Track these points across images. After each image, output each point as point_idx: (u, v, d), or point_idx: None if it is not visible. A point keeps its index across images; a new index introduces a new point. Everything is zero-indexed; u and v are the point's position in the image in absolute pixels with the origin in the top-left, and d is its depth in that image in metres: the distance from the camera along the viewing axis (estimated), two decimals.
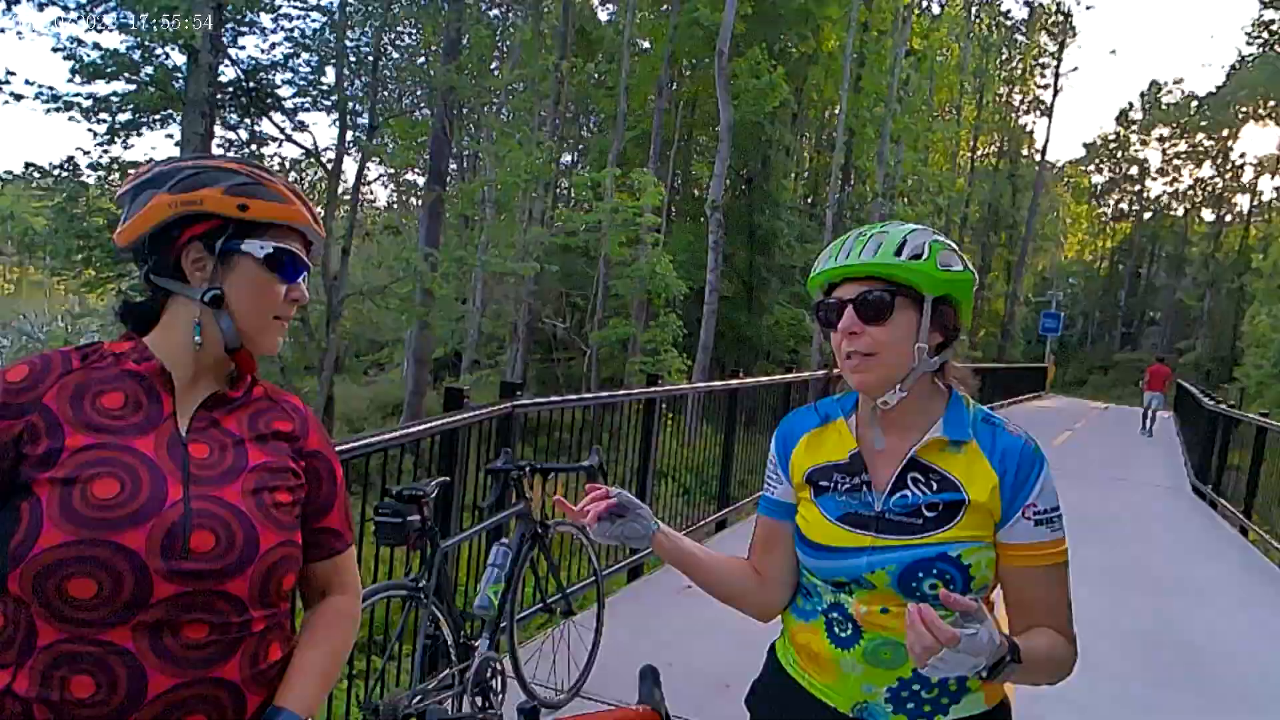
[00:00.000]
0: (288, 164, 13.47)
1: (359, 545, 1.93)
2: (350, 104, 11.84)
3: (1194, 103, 46.38)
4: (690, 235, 22.51)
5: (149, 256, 1.24)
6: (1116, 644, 4.81)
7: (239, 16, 10.08)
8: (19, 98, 9.74)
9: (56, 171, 10.22)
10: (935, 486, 1.35)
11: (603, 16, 26.09)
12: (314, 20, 11.16)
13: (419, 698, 3.05)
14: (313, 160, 11.87)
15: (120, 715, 1.10)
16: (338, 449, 1.53)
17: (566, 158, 25.63)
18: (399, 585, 3.04)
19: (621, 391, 7.29)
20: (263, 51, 10.63)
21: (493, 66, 17.71)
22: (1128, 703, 4.14)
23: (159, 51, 9.37)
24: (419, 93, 14.69)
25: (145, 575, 1.10)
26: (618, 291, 18.27)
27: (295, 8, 10.46)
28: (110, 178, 10.53)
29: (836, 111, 25.50)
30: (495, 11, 19.33)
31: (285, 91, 10.55)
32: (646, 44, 23.69)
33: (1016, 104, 42.57)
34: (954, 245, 1.39)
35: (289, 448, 1.31)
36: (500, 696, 3.34)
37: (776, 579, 1.52)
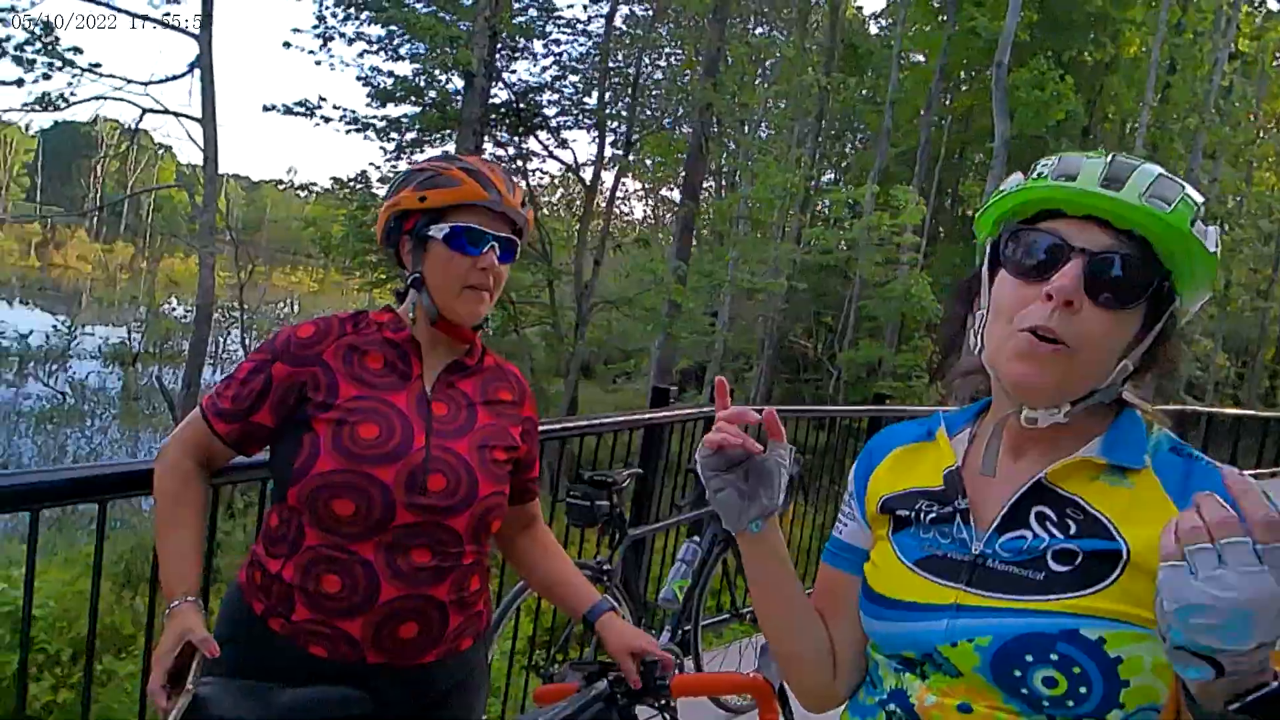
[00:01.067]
0: (552, 179, 14.45)
1: (550, 522, 2.07)
2: (611, 122, 12.43)
3: None
4: (957, 257, 21.17)
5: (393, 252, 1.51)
6: None
7: (513, 43, 10.96)
8: (327, 120, 11.33)
9: (351, 184, 11.76)
10: (1074, 528, 0.87)
11: (874, 30, 25.41)
12: (580, 44, 11.90)
13: None
14: (572, 175, 12.63)
15: (355, 611, 1.35)
16: (541, 429, 1.77)
17: (828, 175, 25.17)
18: (585, 565, 3.04)
19: (837, 408, 6.91)
20: (532, 75, 11.43)
21: (756, 81, 17.80)
22: None
23: (441, 77, 10.47)
24: (679, 110, 15.12)
25: (391, 503, 1.35)
26: (870, 313, 17.55)
27: (564, 33, 11.22)
28: None
29: (1137, 124, 22.85)
30: (760, 30, 19.47)
31: (550, 111, 11.37)
32: (920, 57, 22.71)
33: None
34: None
35: (511, 414, 1.54)
36: None
37: (842, 655, 1.06)
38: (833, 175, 26.34)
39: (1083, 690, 0.82)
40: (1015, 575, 0.88)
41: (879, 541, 1.03)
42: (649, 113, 14.76)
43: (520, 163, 11.85)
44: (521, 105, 11.11)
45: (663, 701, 1.42)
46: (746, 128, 17.04)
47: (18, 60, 11.06)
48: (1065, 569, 0.86)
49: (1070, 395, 0.88)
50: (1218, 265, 0.89)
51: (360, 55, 11.04)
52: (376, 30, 10.64)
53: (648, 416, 3.94)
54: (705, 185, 17.54)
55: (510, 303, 11.36)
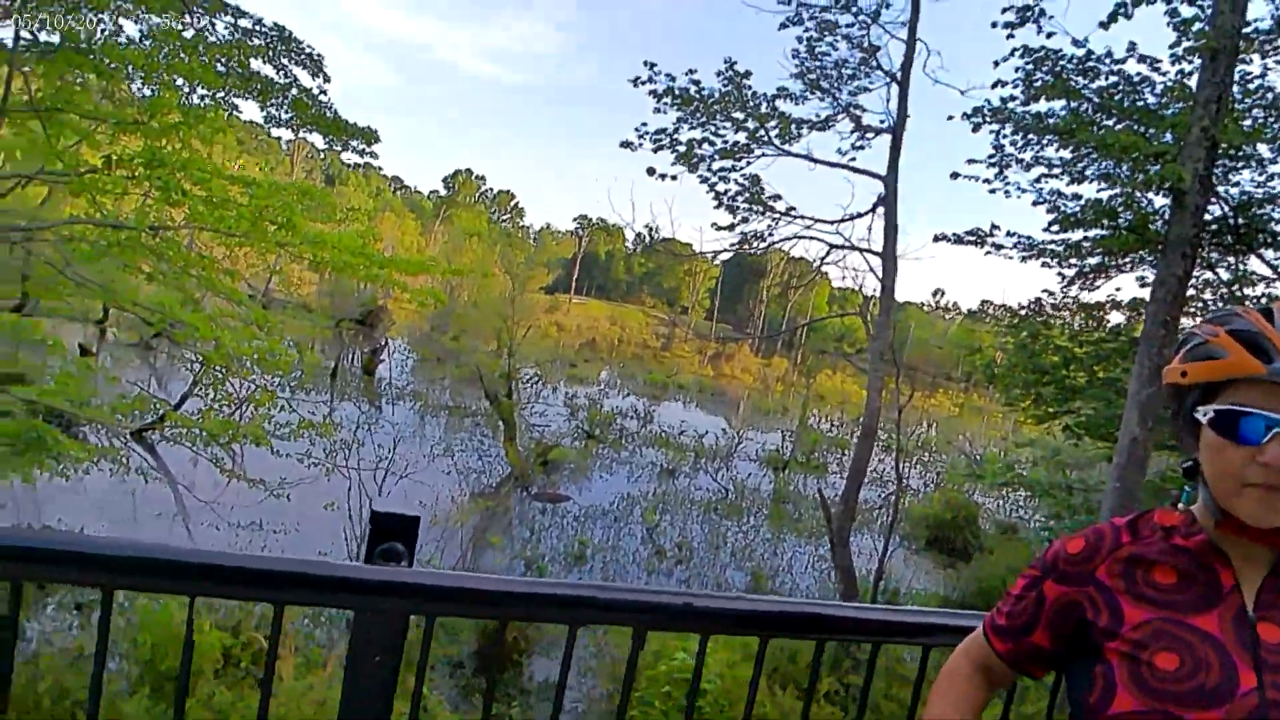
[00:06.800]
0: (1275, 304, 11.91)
1: None
2: None
3: None
4: None
5: None
6: None
7: (1234, 151, 9.23)
8: (1000, 248, 10.95)
9: (1023, 311, 11.18)
10: None
11: None
12: None
13: None
14: None
15: None
16: None
17: None
18: None
19: None
20: (1257, 186, 9.40)
21: None
22: None
23: (1141, 197, 9.27)
24: None
25: None
26: None
27: None
28: (1070, 319, 10.97)
29: None
30: None
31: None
32: None
33: None
34: None
35: None
36: None
37: None
38: None
39: None
40: None
41: None
42: None
43: (1237, 288, 9.91)
44: (1240, 220, 9.28)
45: None
46: None
47: (731, 209, 13.37)
48: None
49: None
50: None
51: (1037, 180, 10.50)
52: (1060, 153, 10.05)
53: None
54: None
55: None
